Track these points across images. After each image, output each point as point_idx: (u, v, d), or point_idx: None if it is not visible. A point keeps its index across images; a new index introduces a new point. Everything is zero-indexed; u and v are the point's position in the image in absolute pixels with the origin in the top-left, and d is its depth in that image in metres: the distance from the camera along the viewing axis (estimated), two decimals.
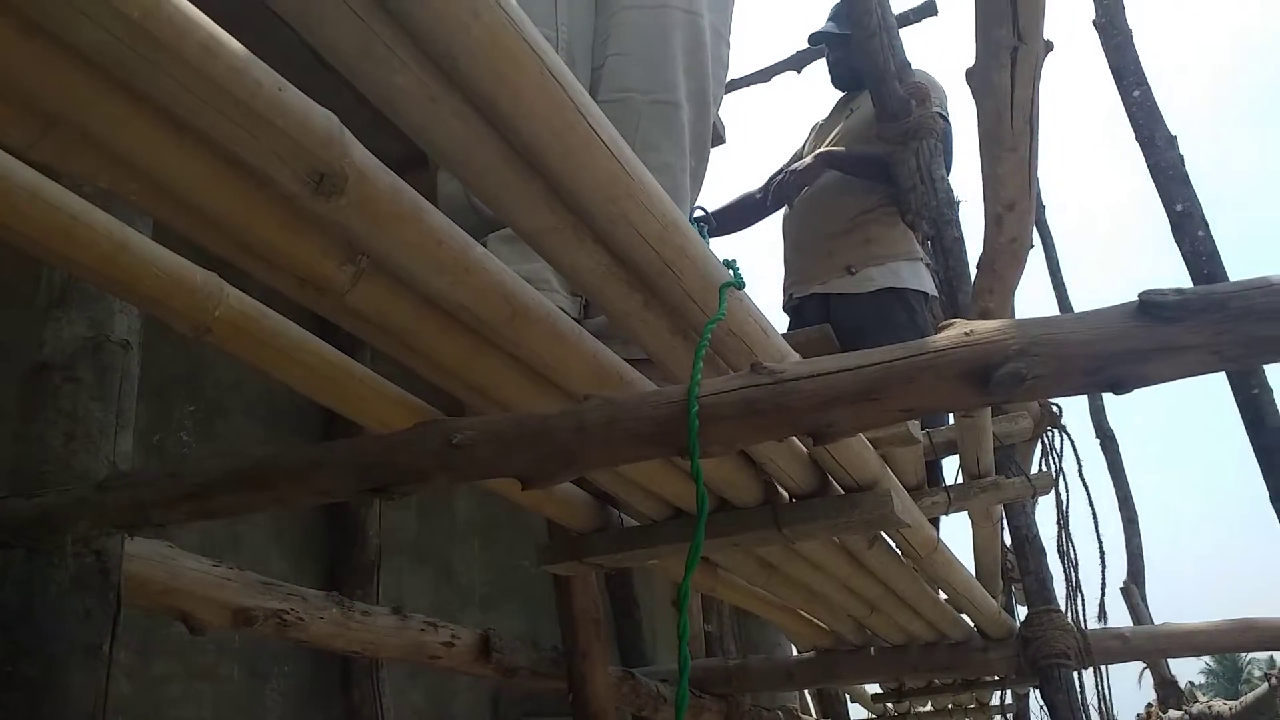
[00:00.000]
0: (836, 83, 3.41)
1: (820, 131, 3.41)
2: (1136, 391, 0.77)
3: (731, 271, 1.13)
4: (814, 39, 3.42)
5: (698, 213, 1.63)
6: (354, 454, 0.93)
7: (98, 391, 1.28)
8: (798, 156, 3.30)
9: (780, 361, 1.14)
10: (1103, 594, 2.99)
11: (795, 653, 3.75)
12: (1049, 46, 1.42)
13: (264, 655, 2.48)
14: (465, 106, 0.78)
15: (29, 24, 0.67)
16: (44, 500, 1.06)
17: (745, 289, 1.12)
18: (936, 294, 2.99)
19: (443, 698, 3.13)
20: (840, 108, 3.43)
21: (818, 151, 3.05)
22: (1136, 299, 0.74)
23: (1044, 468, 2.77)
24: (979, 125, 1.53)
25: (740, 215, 3.34)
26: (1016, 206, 1.72)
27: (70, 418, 1.24)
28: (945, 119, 3.31)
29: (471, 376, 1.22)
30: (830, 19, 3.37)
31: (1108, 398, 5.86)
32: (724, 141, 4.35)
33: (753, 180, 3.48)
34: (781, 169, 3.15)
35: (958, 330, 0.78)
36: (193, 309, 1.07)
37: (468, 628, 2.28)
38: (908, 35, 4.56)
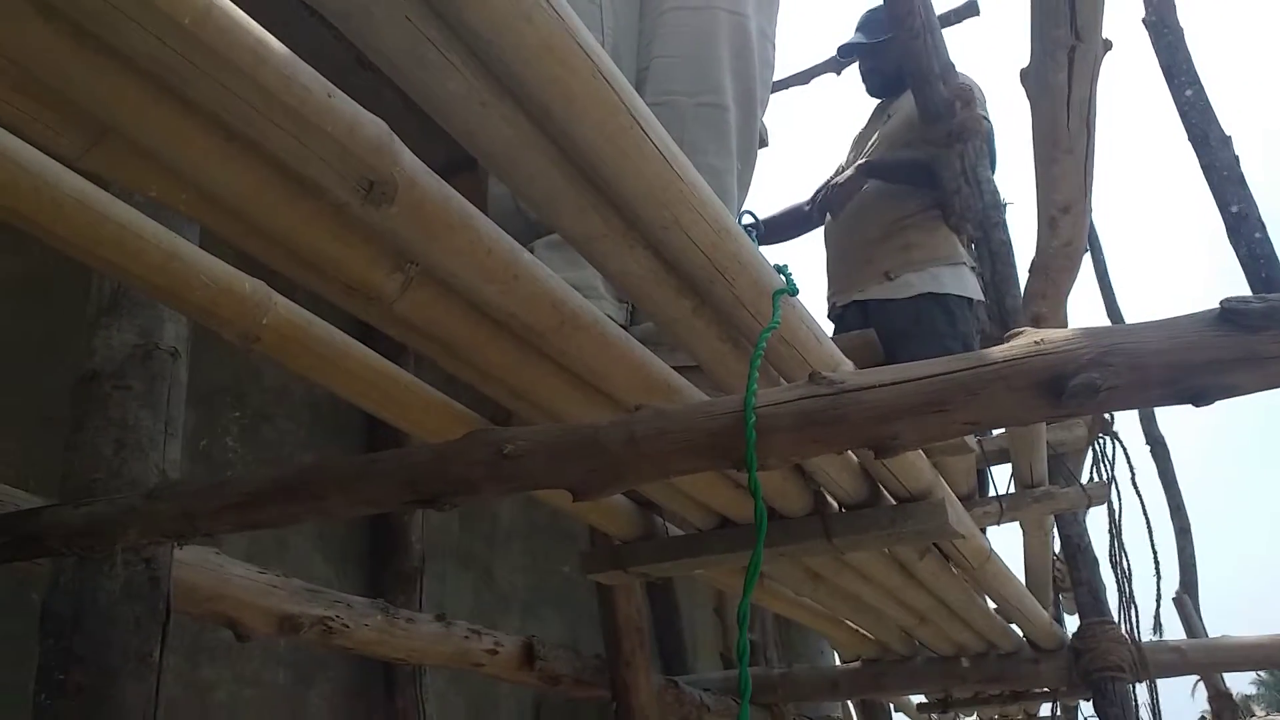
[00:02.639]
0: (871, 91, 3.39)
1: (858, 141, 3.38)
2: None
3: (784, 278, 1.10)
4: (844, 51, 3.39)
5: (746, 218, 1.61)
6: (402, 464, 0.91)
7: (147, 400, 1.28)
8: (840, 169, 3.26)
9: (834, 370, 1.11)
10: (1158, 605, 2.91)
11: (838, 661, 3.70)
12: (1108, 45, 1.38)
13: (308, 661, 2.48)
14: (516, 112, 0.76)
15: (79, 32, 0.67)
16: (94, 509, 1.06)
17: (798, 295, 1.09)
18: (981, 298, 2.94)
19: (484, 705, 3.12)
20: (876, 115, 3.39)
21: (858, 163, 3.02)
22: (1218, 306, 0.71)
23: (1095, 475, 2.71)
24: (1034, 126, 1.49)
25: (788, 226, 3.32)
26: (1072, 209, 1.68)
27: (120, 426, 1.24)
28: (988, 120, 3.27)
29: (518, 384, 1.20)
30: (858, 29, 3.34)
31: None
32: (767, 145, 4.32)
33: (792, 182, 3.45)
34: (826, 182, 3.12)
35: (1027, 339, 0.75)
36: (241, 317, 1.06)
37: (510, 635, 2.27)
38: (948, 35, 4.49)
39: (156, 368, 1.30)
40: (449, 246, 0.91)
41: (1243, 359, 0.69)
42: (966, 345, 2.69)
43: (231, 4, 0.70)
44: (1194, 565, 5.66)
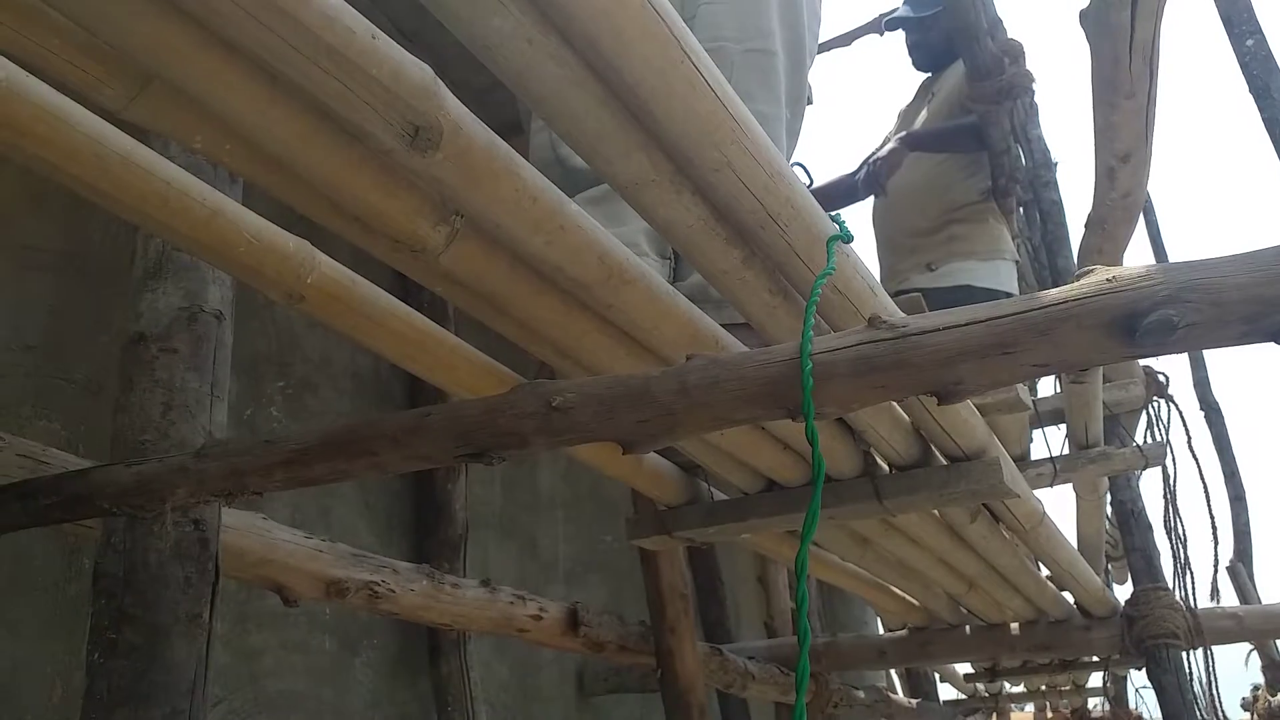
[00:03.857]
0: (917, 65, 3.34)
1: (905, 116, 3.34)
2: (1239, 360, 0.70)
3: (838, 224, 1.07)
4: (890, 24, 3.33)
5: (797, 170, 1.57)
6: (452, 418, 0.90)
7: (193, 362, 1.27)
8: (888, 141, 3.23)
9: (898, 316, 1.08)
10: (1215, 572, 2.86)
11: (882, 630, 3.67)
12: None
13: (354, 628, 2.50)
14: (564, 48, 0.74)
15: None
16: (143, 468, 1.06)
17: (853, 243, 1.06)
18: (1017, 293, 2.93)
19: (528, 671, 3.14)
20: (923, 91, 3.34)
21: (899, 135, 2.98)
22: None
23: (1150, 439, 2.65)
24: (1093, 71, 1.44)
25: (836, 197, 3.30)
26: (1132, 158, 1.62)
27: (167, 388, 1.24)
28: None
29: (564, 340, 1.19)
30: (905, 2, 3.28)
31: (1211, 367, 5.61)
32: (812, 103, 4.26)
33: (836, 144, 3.40)
34: (871, 154, 3.09)
35: (1099, 276, 0.71)
36: (285, 276, 1.06)
37: (555, 601, 2.27)
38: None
39: (202, 330, 1.29)
40: (494, 195, 0.89)
41: None
42: None
43: None
44: (1249, 533, 5.55)
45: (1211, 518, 2.75)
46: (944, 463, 1.56)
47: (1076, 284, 0.72)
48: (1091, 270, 0.73)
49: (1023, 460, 2.18)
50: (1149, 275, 0.70)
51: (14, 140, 0.82)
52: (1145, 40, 1.36)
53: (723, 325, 1.30)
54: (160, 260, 1.32)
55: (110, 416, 1.28)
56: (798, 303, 1.15)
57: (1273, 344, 0.69)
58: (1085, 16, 1.37)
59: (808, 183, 1.64)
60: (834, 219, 1.09)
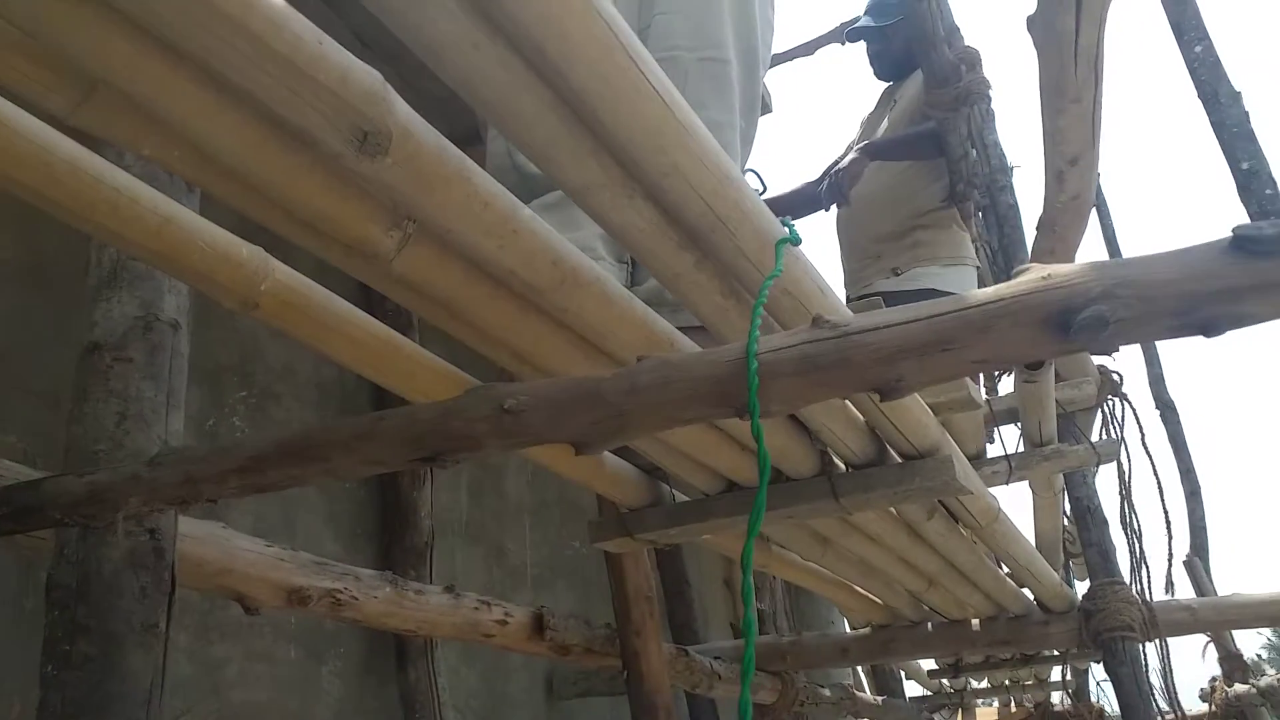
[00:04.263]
0: (879, 74, 3.40)
1: (868, 124, 3.39)
2: (1194, 358, 0.73)
3: (787, 227, 1.09)
4: (852, 35, 3.39)
5: (750, 177, 1.59)
6: (405, 423, 0.91)
7: (148, 371, 1.27)
8: (851, 148, 3.27)
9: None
10: (1169, 565, 2.91)
11: (849, 629, 3.70)
12: None
13: (319, 637, 2.49)
14: (510, 53, 0.75)
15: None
16: (96, 478, 1.05)
17: (801, 245, 1.08)
18: None
19: (497, 678, 3.13)
20: (885, 99, 3.40)
21: (859, 146, 3.03)
22: (1229, 234, 0.69)
23: (1105, 437, 2.69)
24: (1040, 76, 1.47)
25: (799, 205, 3.35)
26: (1080, 161, 1.65)
27: (122, 397, 1.23)
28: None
29: (520, 344, 1.19)
30: (866, 12, 3.34)
31: (1166, 366, 5.71)
32: (770, 111, 4.29)
33: (800, 151, 3.44)
34: (833, 164, 3.14)
35: (1035, 274, 0.74)
36: (240, 283, 1.06)
37: (521, 606, 2.27)
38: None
39: (157, 339, 1.29)
40: (445, 200, 0.90)
41: (1255, 287, 0.68)
42: None
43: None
44: (1204, 528, 5.66)
45: (1165, 513, 2.80)
46: (899, 461, 1.58)
47: (1013, 282, 0.74)
48: (1028, 268, 0.75)
49: (979, 458, 2.21)
50: (1082, 273, 0.72)
51: None
52: (1089, 45, 1.40)
53: (679, 328, 1.31)
54: (115, 269, 1.31)
55: (62, 425, 1.27)
56: (749, 304, 1.17)
57: (1201, 336, 0.71)
58: (1032, 22, 1.40)
59: (761, 189, 1.67)
60: (783, 222, 1.10)
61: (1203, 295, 0.69)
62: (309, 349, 1.20)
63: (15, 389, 1.87)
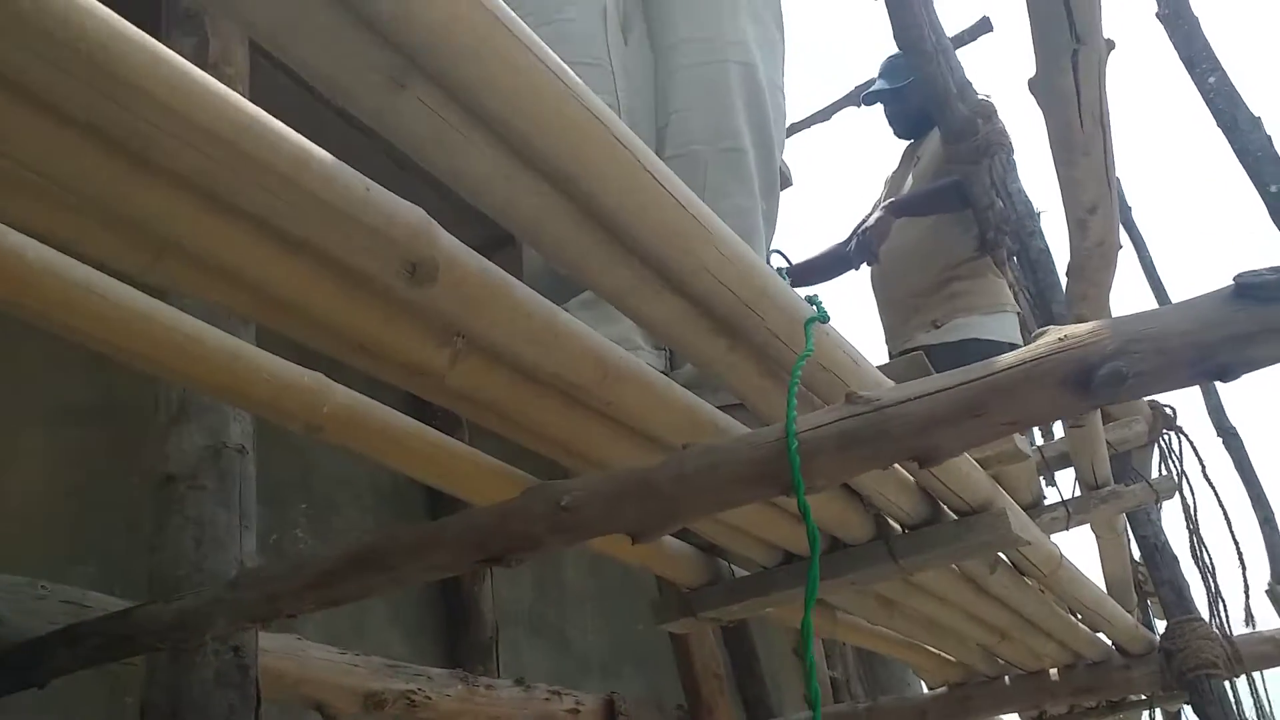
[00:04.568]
0: (898, 133, 3.48)
1: (892, 182, 3.46)
2: (1255, 381, 0.75)
3: (815, 306, 1.13)
4: (868, 99, 3.48)
5: (776, 258, 1.65)
6: (466, 527, 0.95)
7: (221, 496, 1.34)
8: (877, 206, 3.34)
9: (874, 389, 1.13)
10: (1246, 597, 2.85)
11: (926, 690, 3.63)
12: (1110, 45, 1.41)
13: None
14: (540, 182, 0.81)
15: (139, 159, 0.73)
16: (183, 604, 1.11)
17: (830, 322, 1.12)
18: (1022, 343, 3.03)
19: None
20: (907, 156, 3.47)
21: (884, 204, 3.09)
22: (1232, 283, 0.73)
23: (1164, 473, 2.67)
24: (1049, 132, 1.52)
25: (829, 267, 3.41)
26: (1099, 209, 1.69)
27: (198, 523, 1.30)
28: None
29: (568, 439, 1.24)
30: (880, 75, 3.43)
31: (1225, 392, 5.61)
32: (791, 184, 4.38)
33: (823, 216, 3.50)
34: (860, 223, 3.20)
35: (1051, 337, 0.77)
36: (304, 409, 1.12)
37: (591, 694, 2.28)
38: (965, 54, 4.55)
39: (226, 465, 1.36)
40: (491, 316, 0.96)
41: (1262, 331, 0.71)
42: None
43: (270, 117, 0.76)
44: None
45: (1236, 544, 2.76)
46: (954, 518, 1.59)
47: (1033, 345, 0.78)
48: (1045, 331, 0.79)
49: (1036, 506, 2.20)
50: (1097, 331, 0.76)
51: (45, 311, 0.89)
52: (1092, 101, 1.44)
53: (720, 407, 1.35)
54: (183, 404, 1.39)
55: (144, 555, 1.34)
56: (785, 381, 1.21)
57: (1217, 381, 0.74)
58: (1034, 84, 1.45)
59: (784, 266, 1.72)
60: (810, 300, 1.15)
61: (1214, 343, 0.72)
62: (367, 463, 1.25)
63: (92, 521, 1.95)
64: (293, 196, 0.77)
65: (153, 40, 0.68)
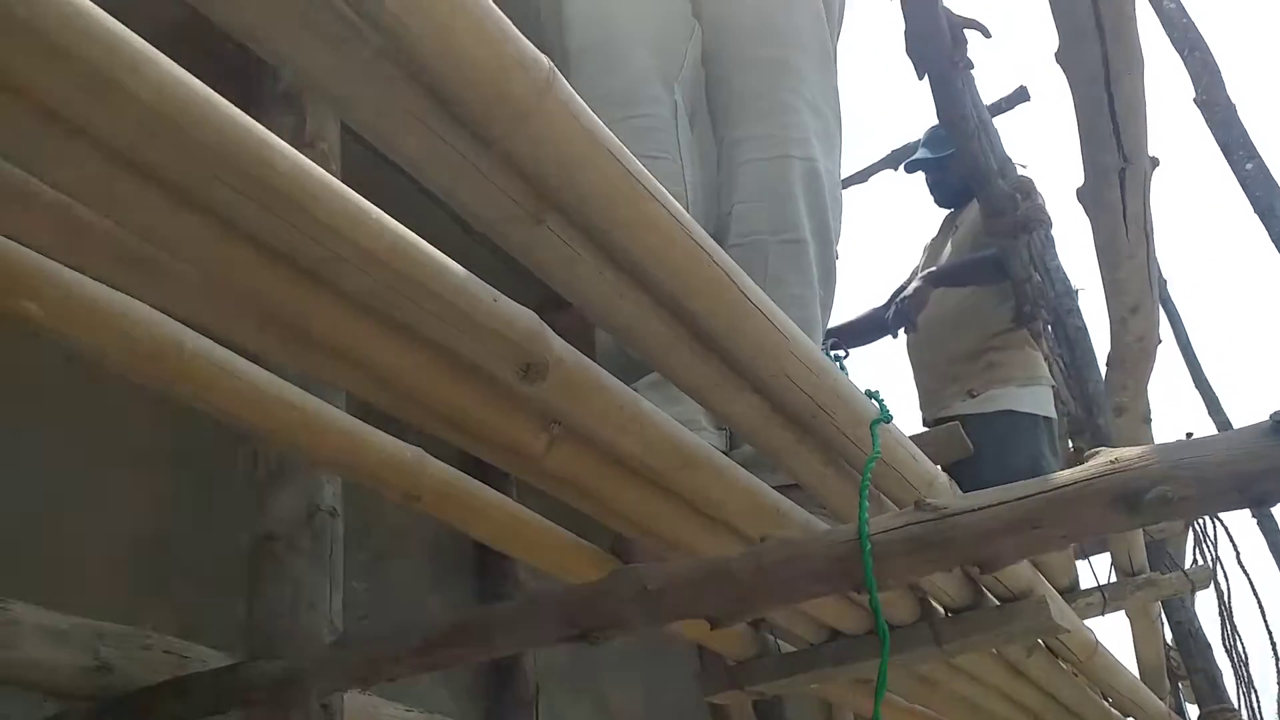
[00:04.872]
0: (939, 202, 3.58)
1: (931, 250, 3.55)
2: None
3: (878, 404, 1.22)
4: (910, 167, 3.59)
5: (831, 343, 1.75)
6: (560, 604, 1.04)
7: (315, 557, 1.43)
8: (915, 273, 3.43)
9: (930, 483, 1.22)
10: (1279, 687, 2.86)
11: None
12: (1155, 162, 1.51)
13: None
14: (649, 298, 0.92)
15: (309, 274, 0.84)
16: (288, 662, 1.20)
17: (893, 420, 1.21)
18: (1056, 417, 3.10)
19: None
20: (946, 225, 3.56)
21: (922, 274, 3.18)
22: (1269, 420, 0.81)
23: (1198, 558, 2.71)
24: (1094, 237, 1.61)
25: (866, 331, 3.50)
26: (1140, 309, 1.78)
27: (294, 583, 1.39)
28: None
29: (643, 518, 1.33)
30: (923, 144, 3.54)
31: None
32: (838, 256, 4.48)
33: (861, 278, 3.60)
34: (898, 289, 3.29)
35: (1103, 459, 0.86)
36: (405, 480, 1.22)
37: None
38: (1003, 122, 4.65)
39: (319, 527, 1.46)
40: (589, 408, 1.06)
41: None
42: (1033, 462, 2.81)
43: (418, 239, 0.86)
44: None
45: (1269, 633, 2.78)
46: (996, 604, 1.66)
47: (1085, 466, 0.87)
48: (1098, 452, 0.88)
49: (1072, 590, 2.26)
50: (1145, 456, 0.84)
51: (203, 394, 1.00)
52: (1137, 212, 1.54)
53: (776, 487, 1.44)
54: (281, 466, 1.50)
55: (225, 608, 1.43)
56: (847, 470, 1.30)
57: (1253, 509, 0.82)
58: (1082, 194, 1.55)
59: (840, 355, 1.81)
60: (873, 396, 1.24)
61: (1253, 474, 0.80)
62: (459, 529, 1.35)
63: (173, 570, 2.04)
64: (433, 306, 0.88)
65: (330, 177, 0.79)
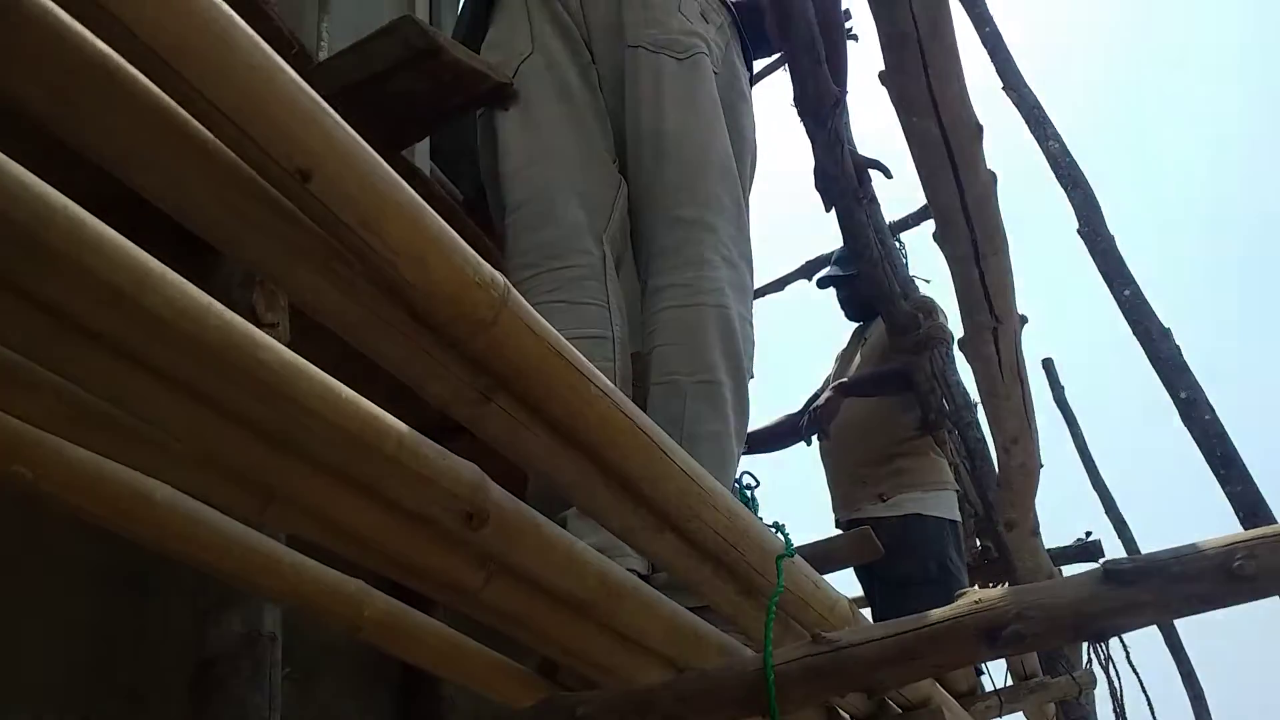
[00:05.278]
0: (849, 316, 3.81)
1: (842, 360, 3.77)
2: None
3: (783, 539, 1.37)
4: (821, 283, 3.83)
5: (746, 478, 1.89)
6: None
7: (254, 680, 1.51)
8: (828, 382, 3.63)
9: (830, 611, 1.37)
10: None
11: None
12: (1024, 320, 1.71)
13: None
14: (581, 458, 1.05)
15: (278, 444, 0.95)
16: None
17: (795, 555, 1.36)
18: (961, 520, 3.28)
19: None
20: (856, 338, 3.80)
21: (834, 385, 3.39)
22: (1101, 568, 0.97)
23: (1091, 656, 2.89)
24: (976, 381, 1.81)
25: (782, 436, 3.69)
26: (1019, 439, 1.97)
27: (237, 705, 1.46)
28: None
29: (571, 644, 1.44)
30: (834, 263, 3.79)
31: None
32: (752, 377, 4.71)
33: (778, 384, 3.82)
34: (811, 399, 3.48)
35: (968, 599, 1.01)
36: (349, 611, 1.32)
37: None
38: (912, 236, 4.96)
39: (260, 652, 1.53)
40: (524, 548, 1.18)
41: (1125, 606, 0.95)
42: (940, 563, 2.99)
43: (379, 410, 0.99)
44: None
45: None
46: (898, 711, 1.80)
47: (953, 605, 1.01)
48: (965, 593, 1.03)
49: (971, 694, 2.40)
50: (1002, 599, 0.99)
51: (167, 540, 1.10)
52: (1010, 361, 1.74)
53: (691, 609, 1.56)
54: (223, 595, 1.57)
55: None
56: (758, 599, 1.43)
57: (1089, 642, 0.98)
58: (963, 345, 1.74)
59: (752, 487, 1.96)
60: (778, 530, 1.39)
61: (1090, 613, 0.96)
62: (398, 657, 1.44)
63: (109, 693, 2.06)
64: (391, 468, 1.00)
65: (313, 368, 0.91)
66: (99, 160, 0.73)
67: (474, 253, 0.80)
